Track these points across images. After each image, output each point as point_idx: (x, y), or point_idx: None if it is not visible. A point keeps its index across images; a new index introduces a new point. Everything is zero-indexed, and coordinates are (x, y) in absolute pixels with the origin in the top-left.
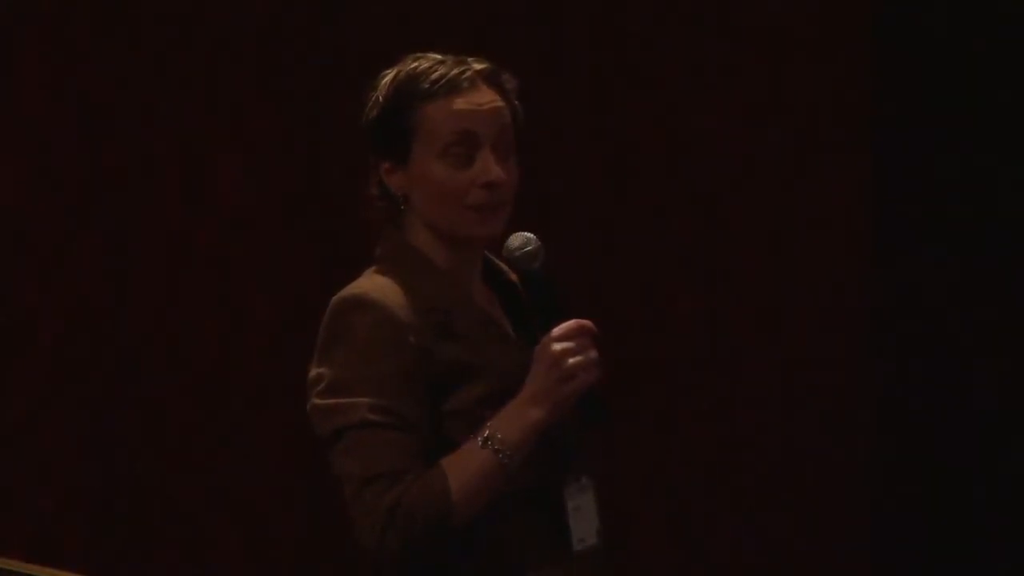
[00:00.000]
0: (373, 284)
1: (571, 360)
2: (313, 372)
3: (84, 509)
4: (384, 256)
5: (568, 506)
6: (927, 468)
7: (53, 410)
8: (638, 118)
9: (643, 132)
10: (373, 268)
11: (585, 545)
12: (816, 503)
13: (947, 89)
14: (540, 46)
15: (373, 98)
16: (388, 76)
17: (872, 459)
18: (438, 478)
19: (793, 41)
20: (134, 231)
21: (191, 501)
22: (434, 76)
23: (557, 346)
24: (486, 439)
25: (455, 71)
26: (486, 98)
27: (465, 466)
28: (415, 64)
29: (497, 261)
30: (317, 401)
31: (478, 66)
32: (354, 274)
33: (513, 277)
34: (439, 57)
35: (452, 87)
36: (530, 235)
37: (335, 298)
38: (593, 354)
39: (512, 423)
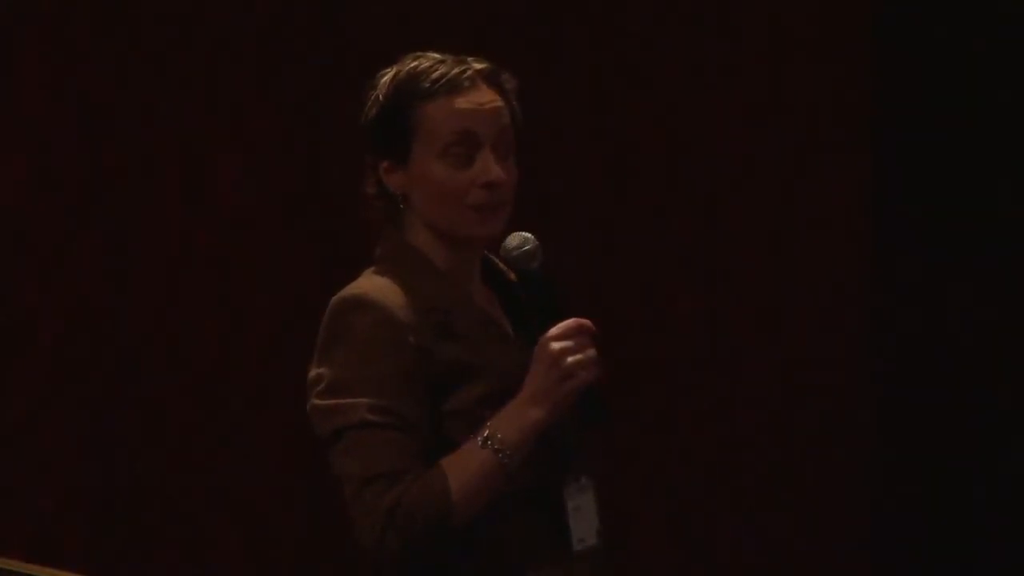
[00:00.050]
0: (373, 284)
1: (570, 359)
2: (313, 372)
3: (84, 509)
4: (384, 256)
5: (568, 506)
6: (927, 468)
7: (53, 410)
8: (638, 118)
9: (643, 132)
10: (373, 268)
11: (585, 545)
12: (816, 503)
13: (947, 89)
14: (540, 46)
15: (373, 97)
16: (388, 75)
17: (872, 459)
18: (438, 478)
19: (793, 41)
20: (134, 231)
21: (191, 501)
22: (434, 75)
23: (556, 345)
24: (486, 439)
25: (455, 70)
26: (486, 98)
27: (465, 466)
28: (415, 63)
29: (497, 261)
30: (317, 401)
31: (478, 66)
32: (354, 274)
33: (513, 277)
34: (439, 56)
35: (452, 86)
36: (528, 235)
37: (335, 298)
38: (592, 352)
39: (512, 423)
